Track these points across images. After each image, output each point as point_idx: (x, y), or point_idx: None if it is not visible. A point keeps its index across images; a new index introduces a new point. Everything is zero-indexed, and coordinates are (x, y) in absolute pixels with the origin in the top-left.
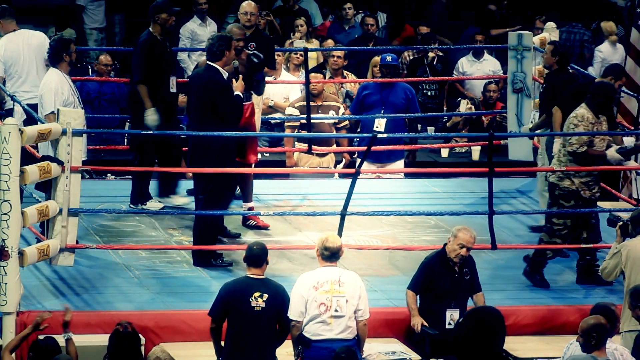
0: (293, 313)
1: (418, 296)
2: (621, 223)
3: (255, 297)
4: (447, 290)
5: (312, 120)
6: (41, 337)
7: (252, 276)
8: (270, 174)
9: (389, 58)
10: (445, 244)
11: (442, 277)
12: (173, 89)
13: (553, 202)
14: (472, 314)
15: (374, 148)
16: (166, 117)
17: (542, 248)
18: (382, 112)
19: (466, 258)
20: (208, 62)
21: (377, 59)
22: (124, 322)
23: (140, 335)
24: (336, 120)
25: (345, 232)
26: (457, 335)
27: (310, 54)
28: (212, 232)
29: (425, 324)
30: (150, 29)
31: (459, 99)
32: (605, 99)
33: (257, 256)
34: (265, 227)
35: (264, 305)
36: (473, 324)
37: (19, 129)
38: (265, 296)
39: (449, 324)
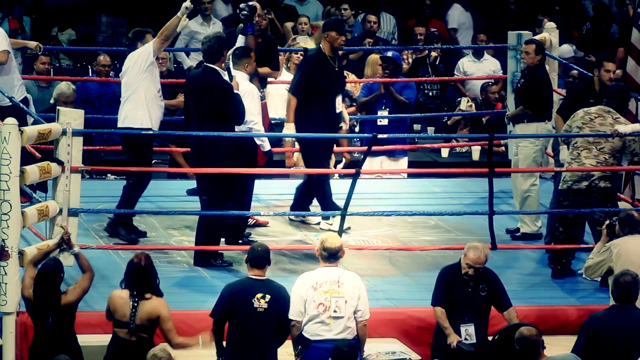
0: (292, 313)
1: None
2: (608, 222)
3: (257, 299)
4: (460, 303)
5: None
6: None
7: (254, 277)
8: (270, 174)
9: (389, 53)
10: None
11: (455, 290)
12: (339, 109)
13: (604, 204)
14: (506, 332)
15: (374, 148)
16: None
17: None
18: (383, 107)
19: (485, 274)
20: (206, 63)
21: (375, 56)
22: (140, 254)
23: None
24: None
25: (345, 232)
26: (493, 354)
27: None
28: (215, 232)
29: (460, 339)
30: (320, 45)
31: (459, 99)
32: (620, 100)
33: (260, 257)
34: (265, 224)
35: (266, 307)
36: (509, 343)
37: (19, 129)
38: (268, 297)
39: (465, 339)
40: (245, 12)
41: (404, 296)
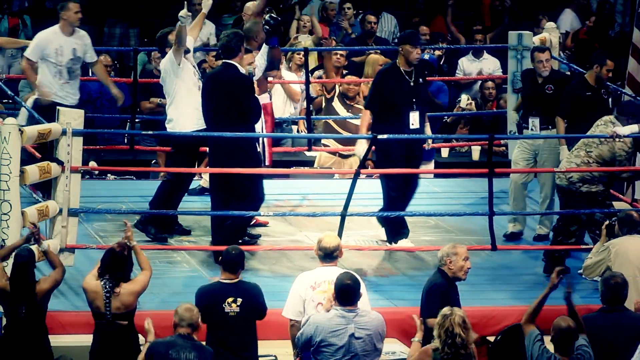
0: (291, 312)
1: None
2: (607, 223)
3: (228, 303)
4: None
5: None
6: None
7: (224, 281)
8: (270, 174)
9: (426, 56)
10: (440, 268)
11: (452, 297)
12: (414, 125)
13: (590, 206)
14: (509, 331)
15: None
16: (404, 155)
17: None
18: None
19: None
20: (225, 60)
21: (374, 56)
22: (123, 243)
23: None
24: None
25: (345, 232)
26: (496, 352)
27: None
28: (237, 231)
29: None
30: (397, 59)
31: (459, 99)
32: (630, 117)
33: (233, 261)
34: (265, 224)
35: (238, 310)
36: (511, 341)
37: (19, 129)
38: (239, 300)
39: None
40: (267, 28)
41: (404, 296)
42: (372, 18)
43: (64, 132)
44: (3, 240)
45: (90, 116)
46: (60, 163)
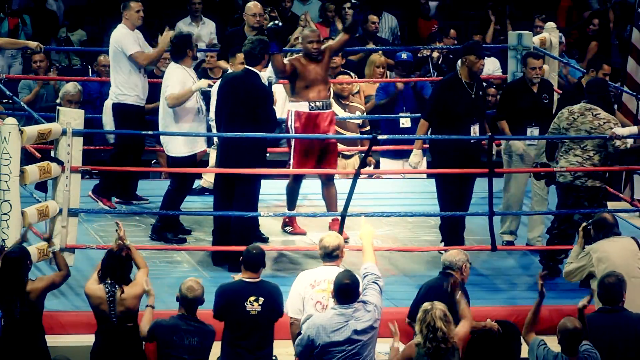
0: (291, 310)
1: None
2: (584, 224)
3: (250, 302)
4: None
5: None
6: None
7: (247, 280)
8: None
9: (404, 55)
10: (450, 273)
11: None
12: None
13: (591, 204)
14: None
15: (376, 148)
16: (462, 164)
17: (551, 250)
18: (404, 109)
19: None
20: (247, 66)
21: (374, 57)
22: (122, 244)
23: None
24: (360, 122)
25: (345, 233)
26: (471, 351)
27: None
28: (248, 232)
29: None
30: (458, 69)
31: None
32: (601, 93)
33: (254, 260)
34: (303, 233)
35: (260, 309)
36: (486, 341)
37: (19, 129)
38: (261, 300)
39: None
40: (266, 32)
41: (404, 296)
42: (373, 18)
43: (64, 132)
44: (3, 240)
45: (90, 116)
46: (60, 163)
